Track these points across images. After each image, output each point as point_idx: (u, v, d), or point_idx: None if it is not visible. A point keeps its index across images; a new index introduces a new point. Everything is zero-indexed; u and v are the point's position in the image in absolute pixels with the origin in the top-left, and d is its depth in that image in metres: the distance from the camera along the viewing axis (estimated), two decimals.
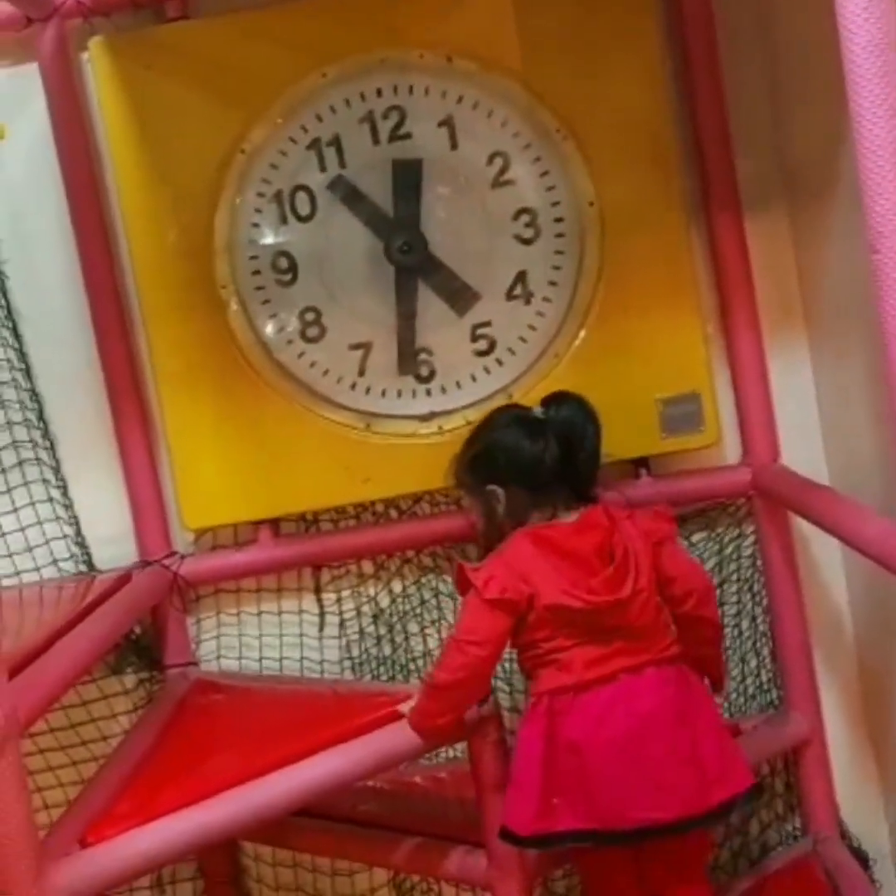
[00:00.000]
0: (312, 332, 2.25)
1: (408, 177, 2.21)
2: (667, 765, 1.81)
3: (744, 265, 2.25)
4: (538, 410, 1.93)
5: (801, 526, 2.25)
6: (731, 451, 2.29)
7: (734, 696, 2.34)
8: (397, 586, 2.30)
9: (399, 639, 2.31)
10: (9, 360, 2.29)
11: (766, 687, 2.33)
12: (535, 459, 1.87)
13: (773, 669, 2.32)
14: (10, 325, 2.28)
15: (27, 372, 2.29)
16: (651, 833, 1.82)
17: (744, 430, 2.28)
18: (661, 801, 1.81)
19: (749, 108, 2.25)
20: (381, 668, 2.31)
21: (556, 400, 1.94)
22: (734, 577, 2.31)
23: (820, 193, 2.12)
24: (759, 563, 2.29)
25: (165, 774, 1.88)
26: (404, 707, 1.88)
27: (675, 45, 2.23)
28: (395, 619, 2.30)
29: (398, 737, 1.89)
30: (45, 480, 2.31)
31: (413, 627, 2.32)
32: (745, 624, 2.32)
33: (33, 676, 1.74)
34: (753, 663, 2.33)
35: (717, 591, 2.30)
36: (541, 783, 1.82)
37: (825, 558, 2.31)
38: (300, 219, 2.23)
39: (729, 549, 2.30)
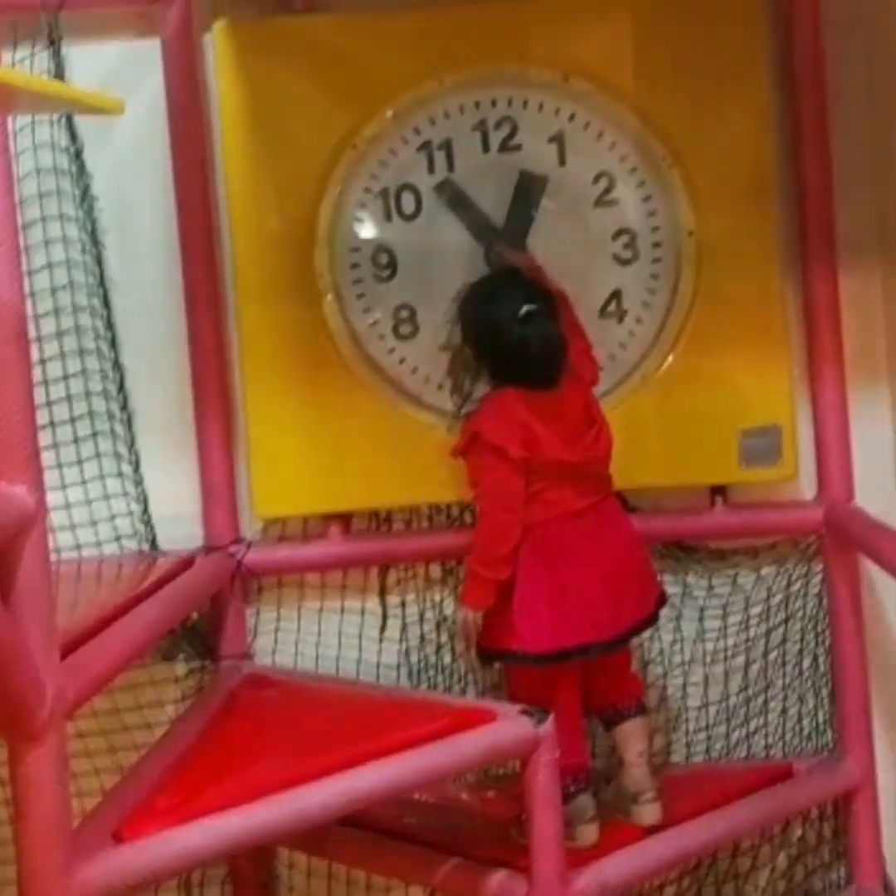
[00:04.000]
0: (405, 329, 2.26)
1: (530, 190, 2.24)
2: (637, 573, 2.09)
3: (834, 307, 2.29)
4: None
5: (870, 568, 2.26)
6: (805, 487, 2.31)
7: (789, 735, 2.33)
8: None
9: (460, 647, 2.26)
10: (95, 329, 2.25)
11: (821, 728, 2.32)
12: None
13: (831, 711, 2.30)
14: (102, 293, 2.25)
15: (112, 342, 2.26)
16: (631, 634, 2.09)
17: (820, 468, 2.30)
18: (640, 605, 2.08)
19: (853, 158, 2.30)
20: (440, 677, 2.27)
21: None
22: (799, 614, 2.31)
23: None
24: (824, 601, 2.29)
25: (209, 771, 1.82)
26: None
27: (784, 86, 2.28)
28: (458, 627, 2.26)
29: (450, 751, 1.86)
30: (117, 454, 2.27)
31: None
32: (806, 662, 2.31)
33: (85, 658, 1.68)
34: (811, 703, 2.32)
35: (783, 627, 2.32)
36: (550, 606, 2.00)
37: (891, 603, 2.32)
38: (404, 217, 2.25)
39: (796, 586, 2.30)
